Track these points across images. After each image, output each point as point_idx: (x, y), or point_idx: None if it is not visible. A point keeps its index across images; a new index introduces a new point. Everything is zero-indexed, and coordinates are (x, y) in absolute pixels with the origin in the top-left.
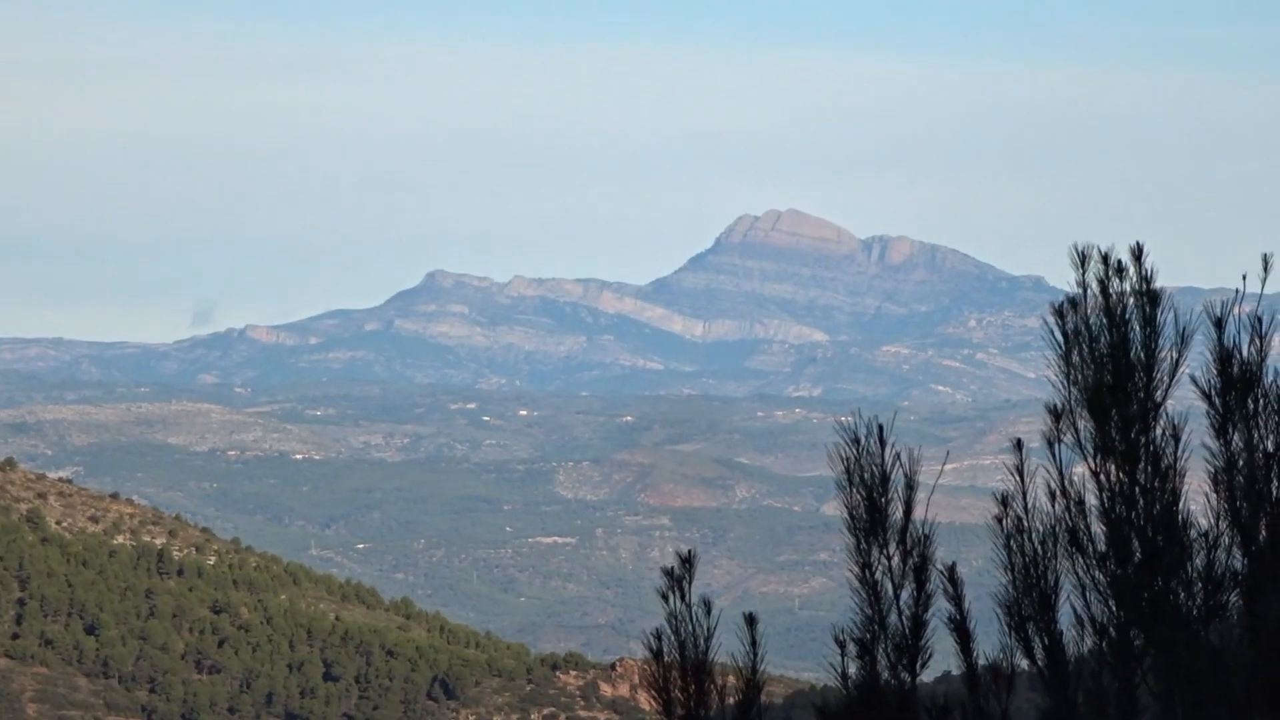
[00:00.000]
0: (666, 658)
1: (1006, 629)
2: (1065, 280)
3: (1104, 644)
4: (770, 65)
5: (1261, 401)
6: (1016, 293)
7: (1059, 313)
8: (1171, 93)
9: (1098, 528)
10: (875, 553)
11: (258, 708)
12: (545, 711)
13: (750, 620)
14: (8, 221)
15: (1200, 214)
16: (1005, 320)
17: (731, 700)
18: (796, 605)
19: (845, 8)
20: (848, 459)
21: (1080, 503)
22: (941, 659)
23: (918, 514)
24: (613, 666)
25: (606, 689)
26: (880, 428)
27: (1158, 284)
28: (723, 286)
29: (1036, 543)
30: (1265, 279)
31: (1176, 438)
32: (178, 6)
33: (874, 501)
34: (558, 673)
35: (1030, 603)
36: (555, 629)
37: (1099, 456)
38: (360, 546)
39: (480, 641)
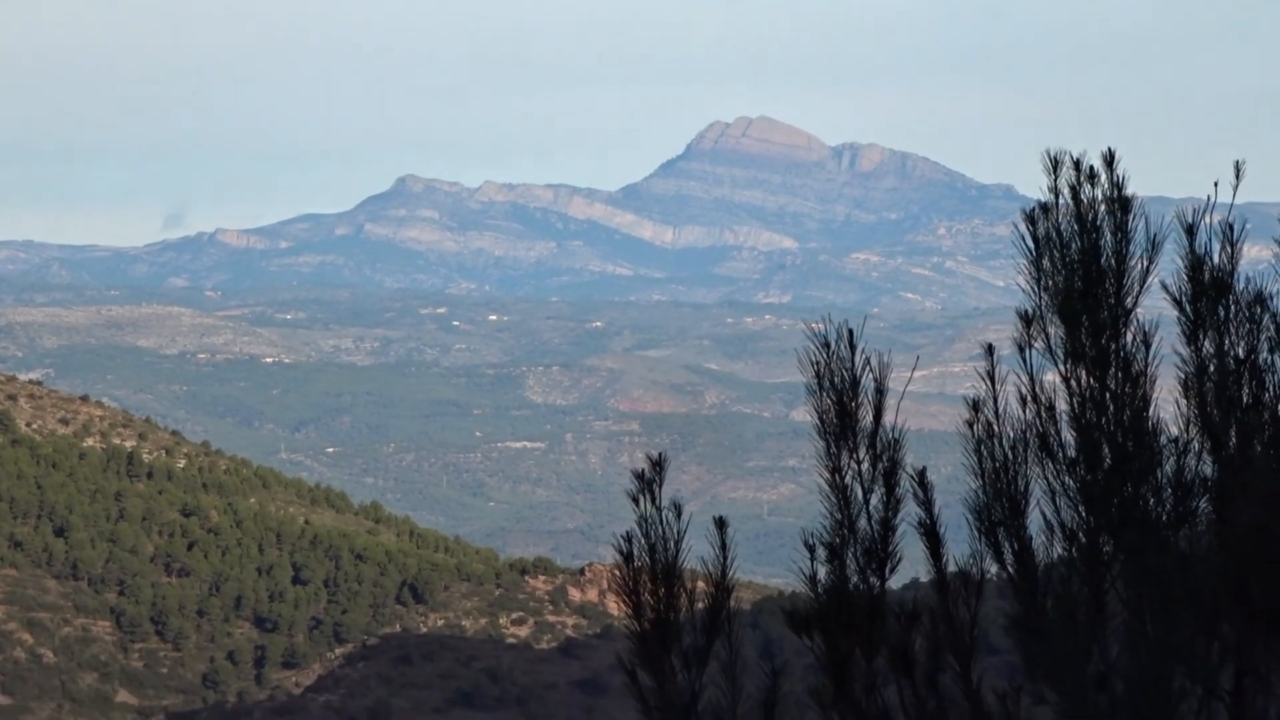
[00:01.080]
0: (636, 562)
1: (976, 534)
2: (1035, 188)
3: (1073, 550)
4: None
5: (1233, 308)
6: (986, 201)
7: (1030, 218)
8: (1142, 2)
9: (1068, 434)
10: (845, 457)
11: (226, 611)
12: (514, 616)
13: (720, 524)
14: None
15: (1173, 123)
16: (975, 228)
17: (701, 605)
18: (765, 511)
19: None
20: (818, 364)
21: (1051, 408)
22: (911, 565)
23: (888, 419)
24: (581, 571)
25: (575, 594)
26: (850, 332)
27: (1129, 191)
28: (693, 193)
29: (1007, 448)
30: (1237, 187)
31: (1147, 344)
32: None
33: (844, 406)
34: (526, 577)
35: (1000, 508)
36: (524, 534)
37: (1070, 362)
38: (330, 450)
39: (449, 546)
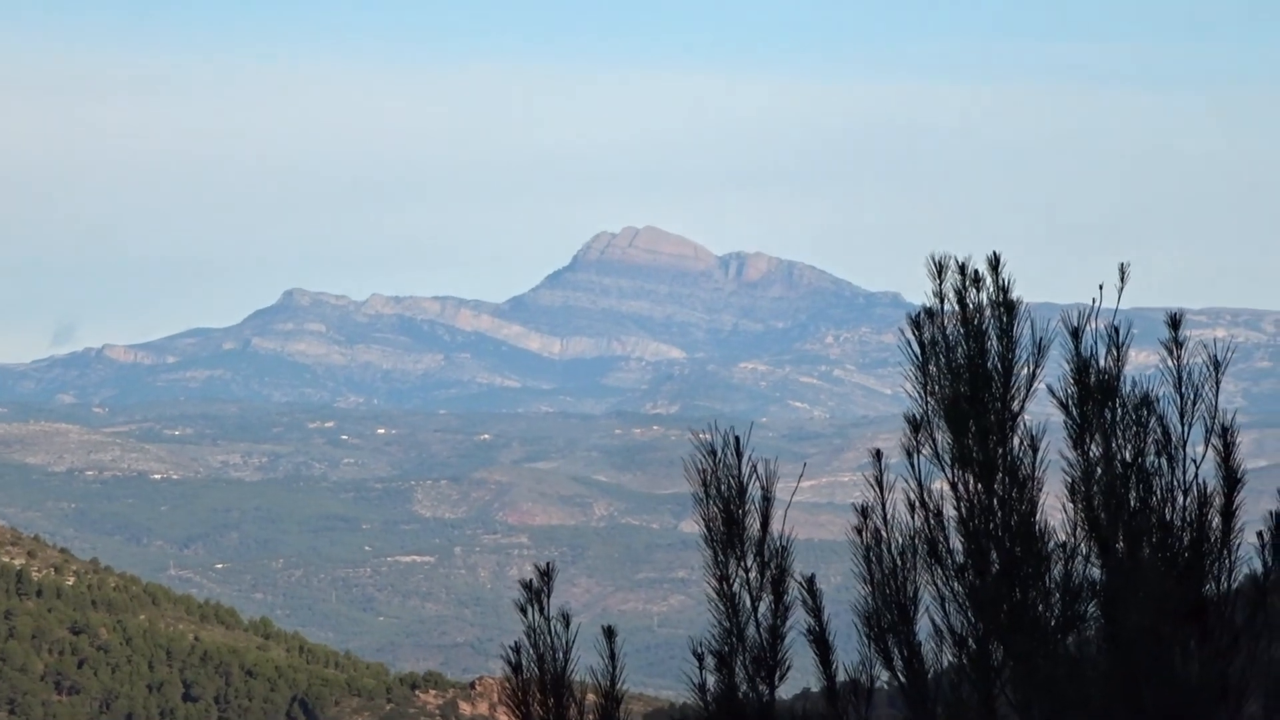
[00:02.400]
0: (525, 672)
1: (866, 640)
2: (922, 294)
3: (963, 655)
4: (627, 85)
5: (1119, 411)
6: (873, 309)
7: (916, 323)
8: (1025, 111)
9: (956, 539)
10: (733, 565)
11: None
12: None
13: (609, 634)
14: None
15: (1058, 230)
16: (862, 336)
17: (591, 716)
18: (655, 623)
19: (695, 31)
20: (704, 472)
21: (939, 514)
22: (801, 674)
23: (775, 527)
24: (472, 685)
25: (466, 707)
26: (737, 440)
27: (1015, 295)
28: (580, 304)
29: (895, 554)
30: (1122, 290)
31: (1034, 448)
32: (28, 26)
33: (731, 514)
34: (417, 692)
35: (889, 614)
36: (414, 648)
37: (957, 468)
38: (219, 566)
39: (339, 661)
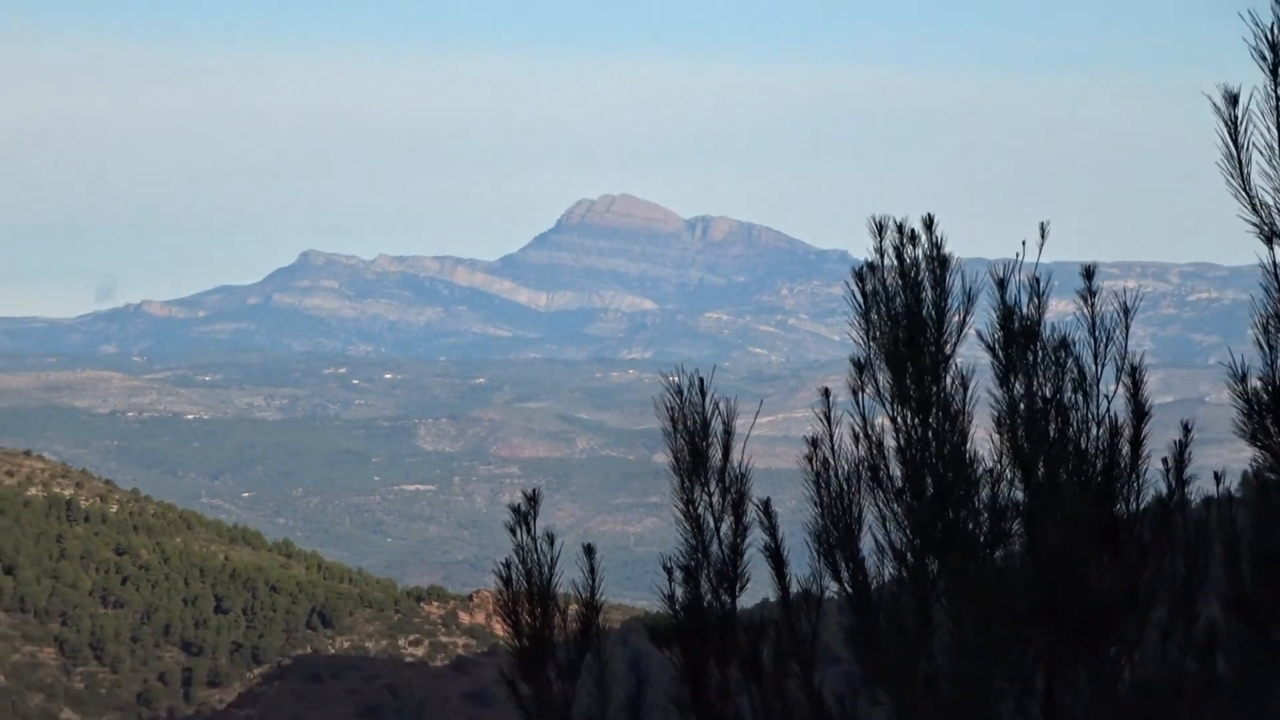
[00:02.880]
0: (515, 586)
1: (816, 556)
2: (865, 251)
3: (902, 569)
4: (604, 68)
5: (1040, 353)
6: (824, 264)
7: (859, 277)
8: (962, 89)
9: (896, 467)
10: (698, 491)
11: (157, 637)
12: (411, 638)
13: (589, 551)
14: None
15: (989, 190)
16: (814, 289)
17: (573, 624)
18: (631, 542)
19: (665, 20)
20: (673, 409)
21: (880, 445)
22: (759, 586)
23: (735, 457)
24: (470, 597)
25: (465, 617)
26: (701, 381)
27: (947, 251)
28: (563, 262)
29: (842, 480)
30: (1042, 246)
31: (964, 386)
32: (63, 5)
33: (696, 446)
34: (422, 604)
35: (837, 533)
36: (419, 565)
37: (896, 404)
38: (245, 495)
39: (353, 577)
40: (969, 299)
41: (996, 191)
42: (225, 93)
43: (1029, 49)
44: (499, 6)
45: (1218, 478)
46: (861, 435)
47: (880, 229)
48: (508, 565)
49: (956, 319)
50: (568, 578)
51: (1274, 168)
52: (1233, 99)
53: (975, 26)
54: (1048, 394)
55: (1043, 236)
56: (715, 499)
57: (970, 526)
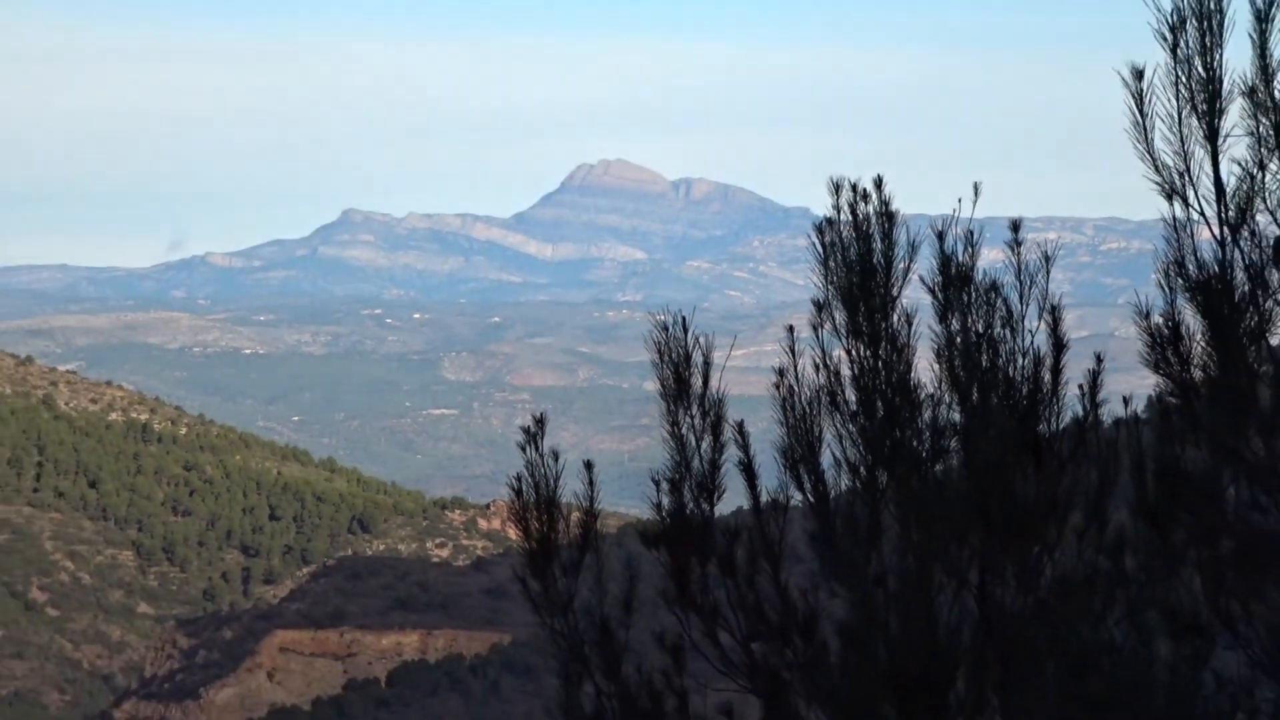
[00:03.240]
0: (525, 496)
1: (783, 469)
2: (825, 208)
3: (856, 480)
4: (604, 47)
5: (973, 295)
6: (790, 220)
7: (819, 230)
8: (915, 63)
9: (850, 393)
10: (681, 414)
11: (220, 541)
12: (437, 541)
13: (588, 466)
14: (28, 174)
15: (930, 156)
16: (781, 241)
17: (576, 529)
18: (626, 459)
19: (654, 3)
20: (660, 343)
21: (837, 374)
22: (734, 496)
23: (713, 385)
24: (487, 506)
25: (483, 523)
26: (684, 320)
27: (894, 208)
28: (566, 218)
29: (805, 404)
30: (975, 202)
31: (909, 323)
32: None
33: (679, 375)
34: (446, 512)
35: (800, 450)
36: (444, 479)
37: (851, 339)
38: (295, 419)
39: (387, 489)
40: (913, 249)
41: (940, 154)
42: (277, 70)
43: (975, 28)
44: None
45: (1126, 401)
46: (821, 366)
47: (837, 189)
48: (519, 479)
49: (902, 266)
50: (570, 489)
51: (1174, 134)
52: (1138, 74)
53: (924, 6)
54: (980, 330)
55: (976, 194)
56: (696, 421)
57: (914, 444)
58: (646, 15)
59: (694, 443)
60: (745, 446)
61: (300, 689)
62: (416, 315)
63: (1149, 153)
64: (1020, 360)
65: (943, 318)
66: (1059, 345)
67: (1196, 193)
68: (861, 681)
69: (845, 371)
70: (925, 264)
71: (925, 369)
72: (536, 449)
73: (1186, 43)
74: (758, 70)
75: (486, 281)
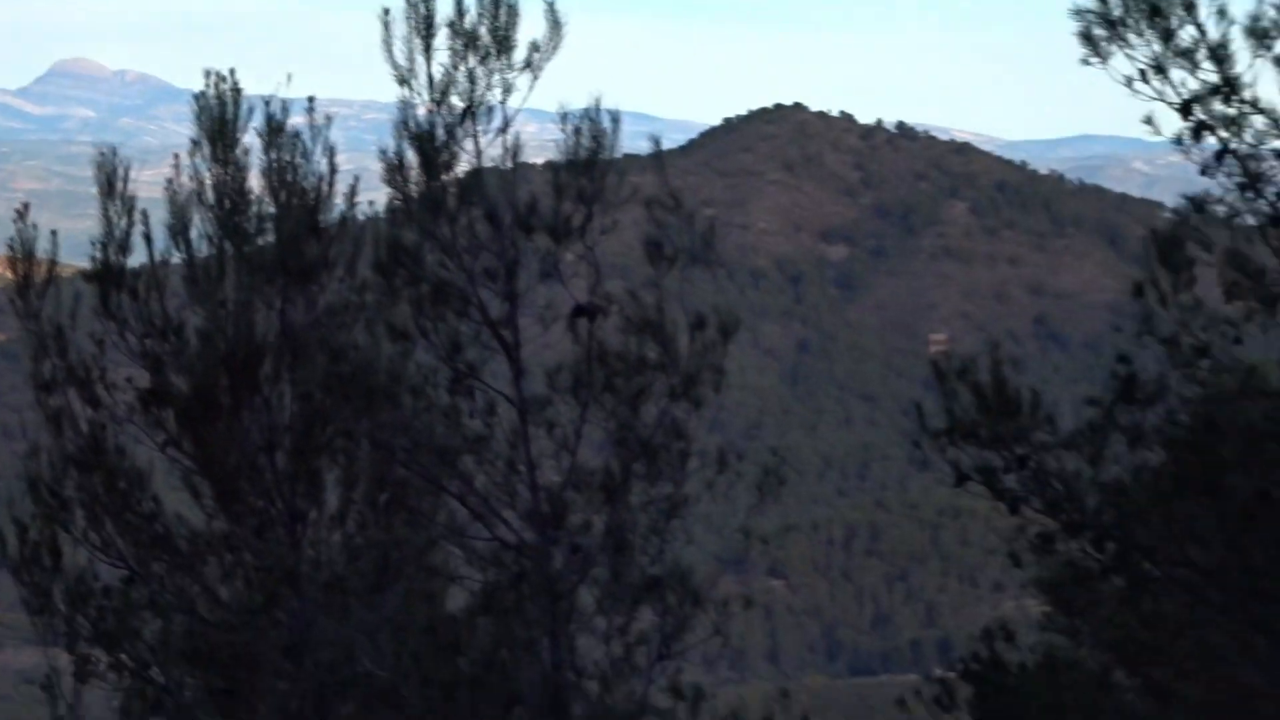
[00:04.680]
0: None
1: (170, 236)
2: (204, 87)
3: (211, 245)
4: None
5: (284, 140)
6: (182, 96)
7: (198, 99)
8: None
9: (211, 194)
10: (110, 205)
11: None
12: None
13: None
14: None
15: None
16: (178, 110)
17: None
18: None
19: None
20: (102, 162)
21: (203, 182)
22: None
23: (130, 189)
24: None
25: None
26: (115, 148)
27: (241, 88)
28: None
29: (183, 199)
30: (290, 82)
31: (245, 154)
32: None
33: (111, 181)
34: None
35: (179, 225)
36: None
37: (213, 163)
38: None
39: None
40: (250, 113)
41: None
42: None
43: None
44: None
45: (370, 204)
46: (192, 178)
47: (217, 78)
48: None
49: (242, 123)
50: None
51: (406, 45)
52: (386, 11)
53: None
54: (289, 159)
55: (288, 82)
56: (119, 207)
57: (246, 225)
58: None
59: (119, 220)
60: (147, 226)
61: None
62: None
63: (391, 57)
64: (311, 178)
65: (267, 151)
66: (333, 170)
67: (418, 82)
68: (211, 363)
69: (208, 182)
70: (260, 122)
71: (257, 181)
72: None
73: None
74: None
75: None
